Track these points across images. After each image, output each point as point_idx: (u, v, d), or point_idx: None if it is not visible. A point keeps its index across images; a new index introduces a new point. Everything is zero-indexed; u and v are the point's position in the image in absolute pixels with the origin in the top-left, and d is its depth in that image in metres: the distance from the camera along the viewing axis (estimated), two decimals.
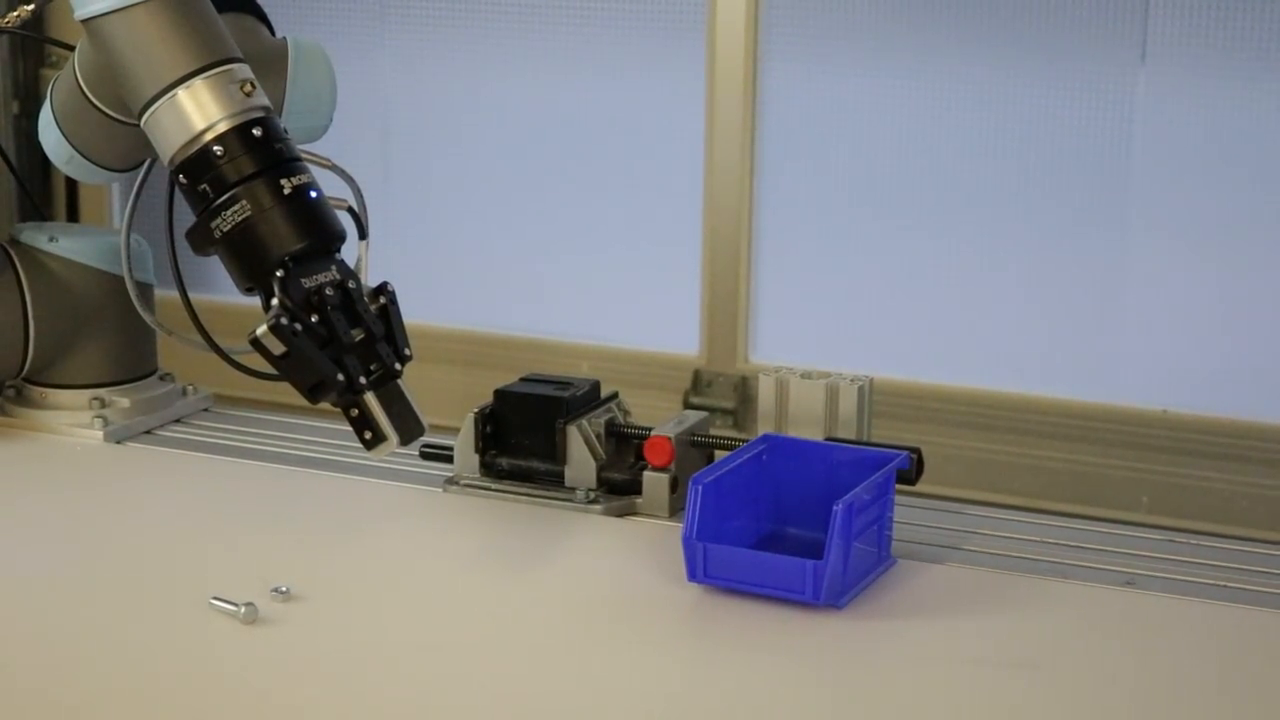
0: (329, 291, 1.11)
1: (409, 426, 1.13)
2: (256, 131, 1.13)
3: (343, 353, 1.11)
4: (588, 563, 1.22)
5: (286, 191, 1.12)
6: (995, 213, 2.47)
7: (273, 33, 1.31)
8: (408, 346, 1.14)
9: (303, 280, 1.11)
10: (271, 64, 1.25)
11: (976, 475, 2.49)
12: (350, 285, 1.12)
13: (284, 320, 1.09)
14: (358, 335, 1.12)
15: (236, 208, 1.11)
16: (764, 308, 2.62)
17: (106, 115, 1.22)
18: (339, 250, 1.14)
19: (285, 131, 1.14)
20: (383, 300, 1.14)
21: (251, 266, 1.12)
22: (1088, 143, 2.40)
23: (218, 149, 1.13)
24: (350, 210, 1.17)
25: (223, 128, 1.13)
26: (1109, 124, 2.38)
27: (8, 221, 1.55)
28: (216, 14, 1.16)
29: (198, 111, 1.13)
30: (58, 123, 1.23)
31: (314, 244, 1.12)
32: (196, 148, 1.13)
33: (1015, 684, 1.04)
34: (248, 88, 1.12)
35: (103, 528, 1.29)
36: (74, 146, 1.22)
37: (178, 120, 1.14)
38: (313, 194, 1.12)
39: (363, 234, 1.19)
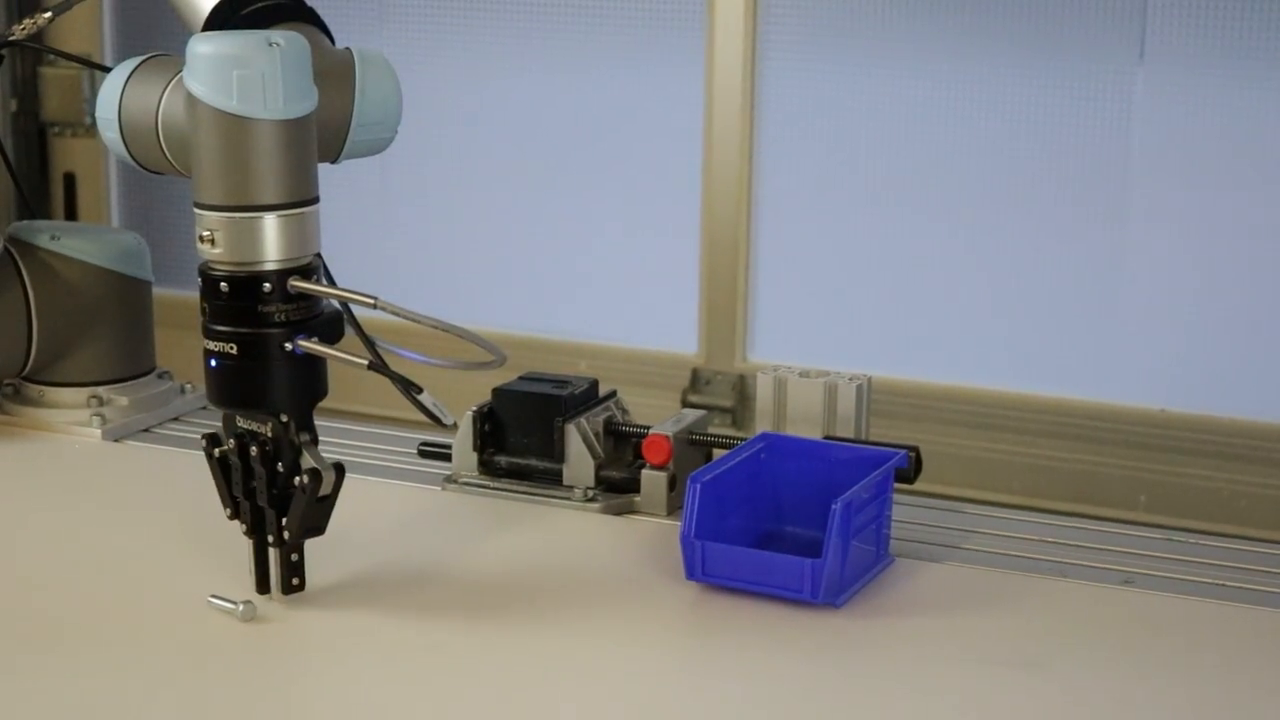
0: (229, 443, 1.13)
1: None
2: (224, 286, 1.09)
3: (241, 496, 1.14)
4: (586, 561, 1.22)
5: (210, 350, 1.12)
6: (994, 212, 2.47)
7: (333, 42, 1.27)
8: (294, 530, 1.12)
9: (239, 421, 1.12)
10: (338, 76, 1.22)
11: (975, 474, 2.49)
12: (252, 450, 1.11)
13: (204, 441, 1.14)
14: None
15: None
16: (762, 306, 2.63)
17: (171, 163, 1.20)
18: (281, 413, 1.11)
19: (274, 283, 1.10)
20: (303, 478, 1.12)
21: None
22: (1087, 142, 2.40)
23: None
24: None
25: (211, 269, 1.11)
26: (1108, 123, 2.38)
27: (5, 220, 1.55)
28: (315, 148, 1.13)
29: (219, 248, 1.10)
30: (123, 131, 1.20)
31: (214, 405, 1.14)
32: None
33: (1014, 683, 1.04)
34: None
35: (100, 526, 1.29)
36: (133, 156, 1.20)
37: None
38: (212, 363, 1.11)
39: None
